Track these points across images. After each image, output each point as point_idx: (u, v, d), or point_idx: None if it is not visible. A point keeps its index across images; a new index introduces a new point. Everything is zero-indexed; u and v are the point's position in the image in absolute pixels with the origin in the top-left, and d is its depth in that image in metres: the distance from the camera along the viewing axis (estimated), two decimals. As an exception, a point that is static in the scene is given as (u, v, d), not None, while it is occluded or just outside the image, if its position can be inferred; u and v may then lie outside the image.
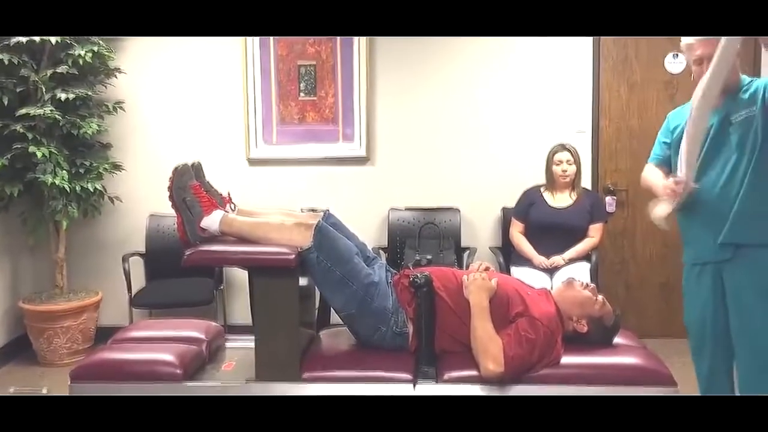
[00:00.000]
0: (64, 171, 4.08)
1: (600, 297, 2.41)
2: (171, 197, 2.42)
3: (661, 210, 2.46)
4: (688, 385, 2.51)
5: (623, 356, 2.34)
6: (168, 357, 2.36)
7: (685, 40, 2.50)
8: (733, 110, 2.40)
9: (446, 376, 2.29)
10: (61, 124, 4.06)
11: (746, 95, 2.40)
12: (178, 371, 2.32)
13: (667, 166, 2.61)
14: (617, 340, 2.46)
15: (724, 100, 2.40)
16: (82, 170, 4.23)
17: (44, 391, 3.68)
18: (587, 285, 2.46)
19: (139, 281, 4.45)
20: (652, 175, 2.66)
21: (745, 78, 2.48)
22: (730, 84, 2.37)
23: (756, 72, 4.33)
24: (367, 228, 4.40)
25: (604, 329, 2.41)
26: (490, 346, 2.22)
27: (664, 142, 2.68)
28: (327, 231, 2.36)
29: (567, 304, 2.41)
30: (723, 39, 2.18)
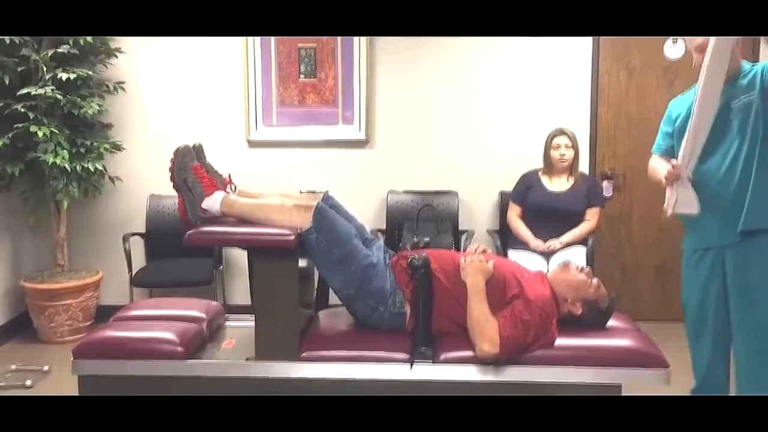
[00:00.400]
0: (65, 150, 4.10)
1: (595, 280, 2.45)
2: (172, 178, 2.45)
3: (671, 200, 2.45)
4: (682, 366, 2.55)
5: (616, 338, 2.38)
6: (169, 335, 2.40)
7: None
8: (733, 96, 2.42)
9: (443, 356, 2.33)
10: (62, 103, 4.08)
11: (745, 81, 2.42)
12: (180, 349, 2.36)
13: (671, 155, 2.63)
14: (611, 322, 2.49)
15: (724, 87, 2.41)
16: (82, 150, 4.25)
17: (45, 368, 3.75)
18: (582, 268, 2.49)
19: (139, 261, 4.48)
20: (657, 165, 2.67)
21: (746, 65, 2.49)
22: (731, 71, 2.38)
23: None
24: (365, 210, 4.43)
25: (599, 312, 2.45)
26: (486, 327, 2.26)
27: (667, 132, 2.68)
28: (326, 212, 2.39)
29: (562, 287, 2.44)
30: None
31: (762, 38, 2.39)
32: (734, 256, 2.41)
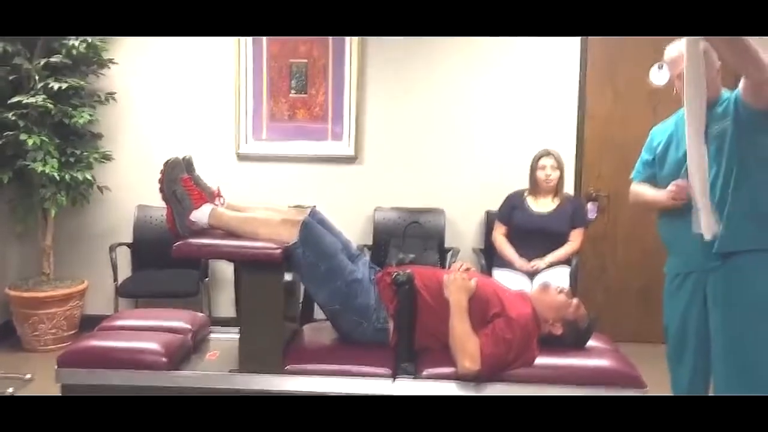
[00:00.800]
0: (55, 159, 4.12)
1: (574, 300, 2.49)
2: (162, 189, 2.48)
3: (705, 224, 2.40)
4: (662, 388, 2.57)
5: (595, 358, 2.41)
6: (154, 345, 2.41)
7: (669, 54, 2.57)
8: (709, 123, 2.46)
9: (425, 372, 2.36)
10: (52, 113, 4.11)
11: (721, 108, 2.47)
12: (164, 360, 2.38)
13: (651, 183, 2.68)
14: (591, 343, 2.53)
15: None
16: (72, 159, 4.28)
17: (28, 377, 3.75)
18: (562, 289, 2.53)
19: (125, 271, 4.49)
20: (643, 190, 2.72)
21: (725, 93, 2.55)
22: (710, 99, 2.43)
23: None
24: (352, 226, 4.47)
25: (578, 332, 2.49)
26: (468, 345, 2.30)
27: (647, 160, 2.73)
28: (313, 227, 2.43)
29: (543, 308, 2.48)
30: (685, 45, 2.26)
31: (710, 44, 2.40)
32: (715, 280, 2.45)
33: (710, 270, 2.45)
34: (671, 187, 2.56)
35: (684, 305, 2.55)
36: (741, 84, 2.33)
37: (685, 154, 2.47)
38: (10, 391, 3.56)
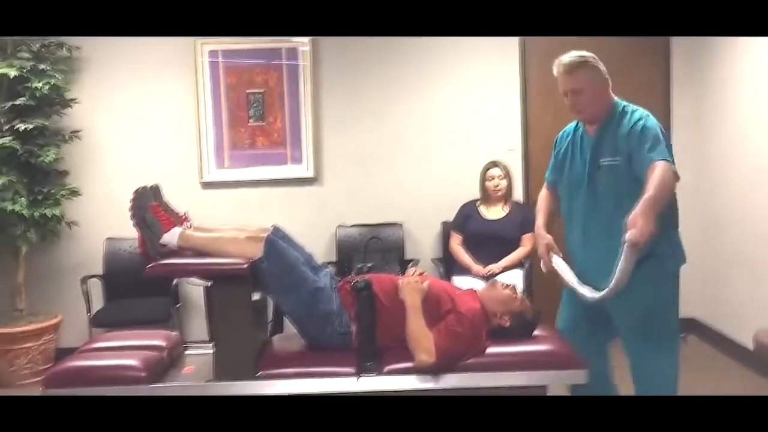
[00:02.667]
0: (23, 198, 4.25)
1: (519, 294, 2.72)
2: (133, 216, 2.65)
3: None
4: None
5: (539, 344, 2.63)
6: (133, 362, 2.57)
7: (556, 71, 2.63)
8: (602, 153, 2.58)
9: (386, 368, 2.55)
10: (19, 153, 4.24)
11: (616, 136, 2.55)
12: (143, 374, 2.53)
13: (554, 188, 2.88)
14: (537, 332, 2.76)
15: (595, 129, 2.63)
16: (40, 197, 4.40)
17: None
18: (508, 285, 2.76)
19: (98, 302, 4.60)
20: (541, 204, 2.94)
21: (619, 104, 2.62)
22: (599, 115, 2.60)
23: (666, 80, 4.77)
24: (316, 244, 4.63)
25: (525, 323, 2.70)
26: (423, 340, 2.50)
27: (553, 164, 2.89)
28: (275, 243, 2.62)
29: (491, 303, 2.69)
30: None
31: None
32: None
33: None
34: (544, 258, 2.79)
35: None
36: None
37: (577, 174, 2.67)
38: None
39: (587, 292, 2.55)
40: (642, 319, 2.60)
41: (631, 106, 2.64)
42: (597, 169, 2.61)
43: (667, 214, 2.48)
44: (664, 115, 4.75)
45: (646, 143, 2.46)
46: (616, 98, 2.67)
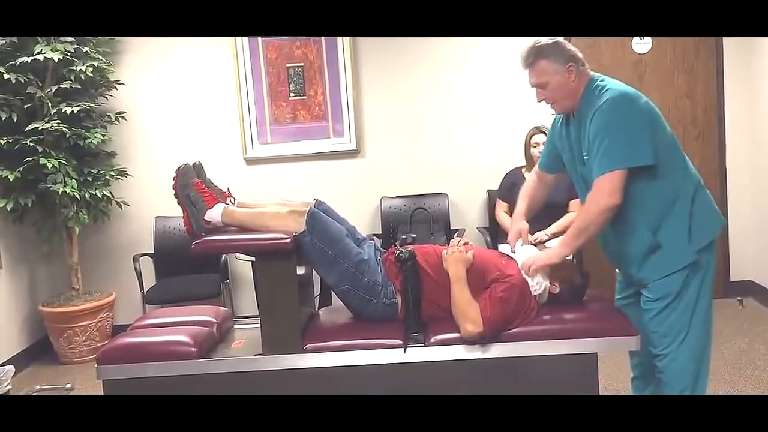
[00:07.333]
0: (74, 180, 4.34)
1: (567, 259, 2.66)
2: (176, 194, 2.67)
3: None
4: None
5: (589, 311, 2.59)
6: (183, 338, 2.61)
7: (524, 65, 2.50)
8: (582, 146, 2.46)
9: (433, 339, 2.53)
10: (67, 136, 4.32)
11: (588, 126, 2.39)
12: (194, 349, 2.57)
13: (544, 175, 2.85)
14: (587, 299, 2.70)
15: (576, 114, 2.48)
16: (90, 178, 4.50)
17: (68, 386, 3.97)
18: (556, 250, 2.70)
19: (149, 280, 4.71)
20: (524, 191, 2.94)
21: (593, 82, 2.42)
22: (574, 103, 2.43)
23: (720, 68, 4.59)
24: (361, 216, 4.67)
25: (575, 287, 2.65)
26: (469, 310, 2.47)
27: (547, 152, 2.81)
28: (318, 216, 2.61)
29: (539, 269, 2.65)
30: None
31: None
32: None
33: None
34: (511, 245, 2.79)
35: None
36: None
37: (569, 165, 2.61)
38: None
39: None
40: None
41: (602, 84, 2.41)
42: (582, 165, 2.51)
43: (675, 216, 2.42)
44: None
45: (600, 145, 2.32)
46: (592, 74, 2.46)
